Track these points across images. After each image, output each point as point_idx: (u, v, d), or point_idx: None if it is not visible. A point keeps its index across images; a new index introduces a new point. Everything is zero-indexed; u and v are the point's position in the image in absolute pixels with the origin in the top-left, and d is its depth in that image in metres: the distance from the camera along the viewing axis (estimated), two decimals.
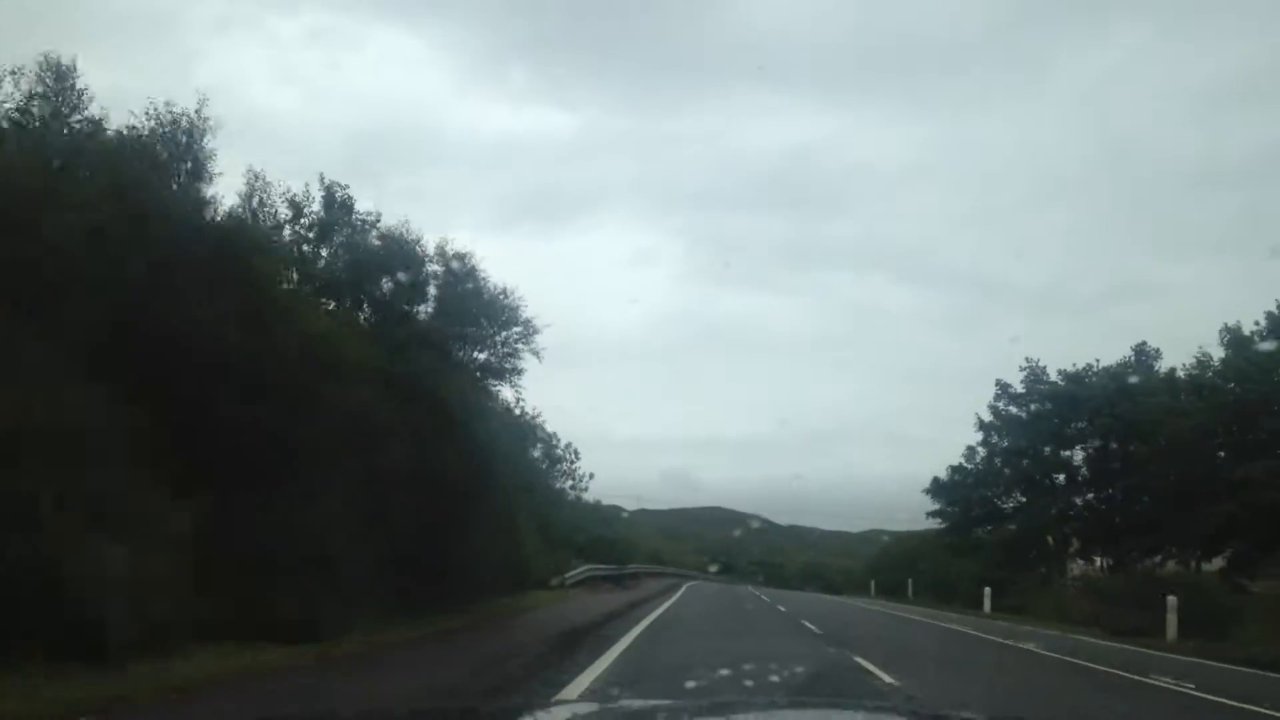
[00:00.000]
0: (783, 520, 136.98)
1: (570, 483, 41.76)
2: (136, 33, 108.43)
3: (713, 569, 72.12)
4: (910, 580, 50.72)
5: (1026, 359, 41.12)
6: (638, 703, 4.72)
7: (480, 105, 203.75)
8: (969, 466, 43.08)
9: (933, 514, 44.58)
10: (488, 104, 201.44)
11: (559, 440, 39.40)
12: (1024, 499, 42.06)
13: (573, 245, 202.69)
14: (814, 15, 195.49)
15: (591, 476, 43.57)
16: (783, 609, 26.91)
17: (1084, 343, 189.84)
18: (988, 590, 34.94)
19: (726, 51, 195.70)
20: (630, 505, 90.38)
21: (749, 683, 9.18)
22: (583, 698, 8.01)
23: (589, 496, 48.61)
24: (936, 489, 43.79)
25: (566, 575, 30.24)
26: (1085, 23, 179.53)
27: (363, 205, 17.56)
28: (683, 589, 39.13)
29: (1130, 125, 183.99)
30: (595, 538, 39.56)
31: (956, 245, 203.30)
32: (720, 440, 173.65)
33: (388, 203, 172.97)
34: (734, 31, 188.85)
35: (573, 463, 41.02)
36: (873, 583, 59.82)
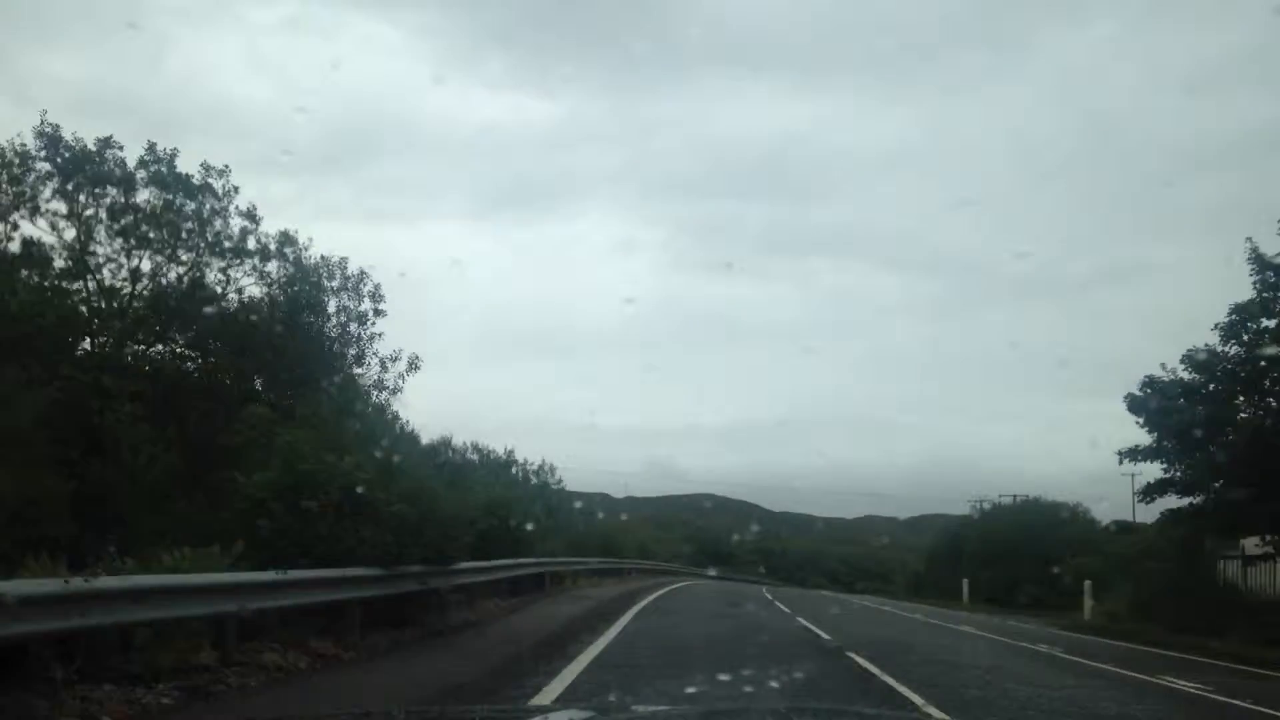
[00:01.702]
0: (776, 508, 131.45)
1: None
2: (105, 21, 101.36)
3: (711, 572, 59.01)
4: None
5: None
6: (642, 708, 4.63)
7: (459, 94, 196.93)
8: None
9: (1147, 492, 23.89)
10: (466, 92, 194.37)
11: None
12: None
13: (554, 234, 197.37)
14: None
15: (554, 470, 38.06)
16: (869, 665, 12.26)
17: (1072, 326, 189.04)
18: None
19: (707, 37, 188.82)
20: (618, 494, 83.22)
21: None
22: None
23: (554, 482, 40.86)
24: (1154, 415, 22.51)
25: None
26: (1066, 4, 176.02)
27: None
28: (643, 603, 22.65)
29: (1113, 108, 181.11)
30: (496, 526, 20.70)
31: (940, 231, 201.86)
32: (707, 428, 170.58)
33: (368, 194, 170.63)
34: (714, 17, 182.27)
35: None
36: (965, 584, 45.08)
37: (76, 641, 7.06)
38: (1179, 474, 22.69)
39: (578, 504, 45.02)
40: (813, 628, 18.35)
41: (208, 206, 19.05)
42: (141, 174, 18.71)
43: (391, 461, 13.12)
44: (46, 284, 17.32)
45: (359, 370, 21.29)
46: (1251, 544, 23.83)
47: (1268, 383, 21.43)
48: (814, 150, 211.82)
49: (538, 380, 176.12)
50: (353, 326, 20.64)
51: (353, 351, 20.92)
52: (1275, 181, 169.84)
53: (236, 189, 18.64)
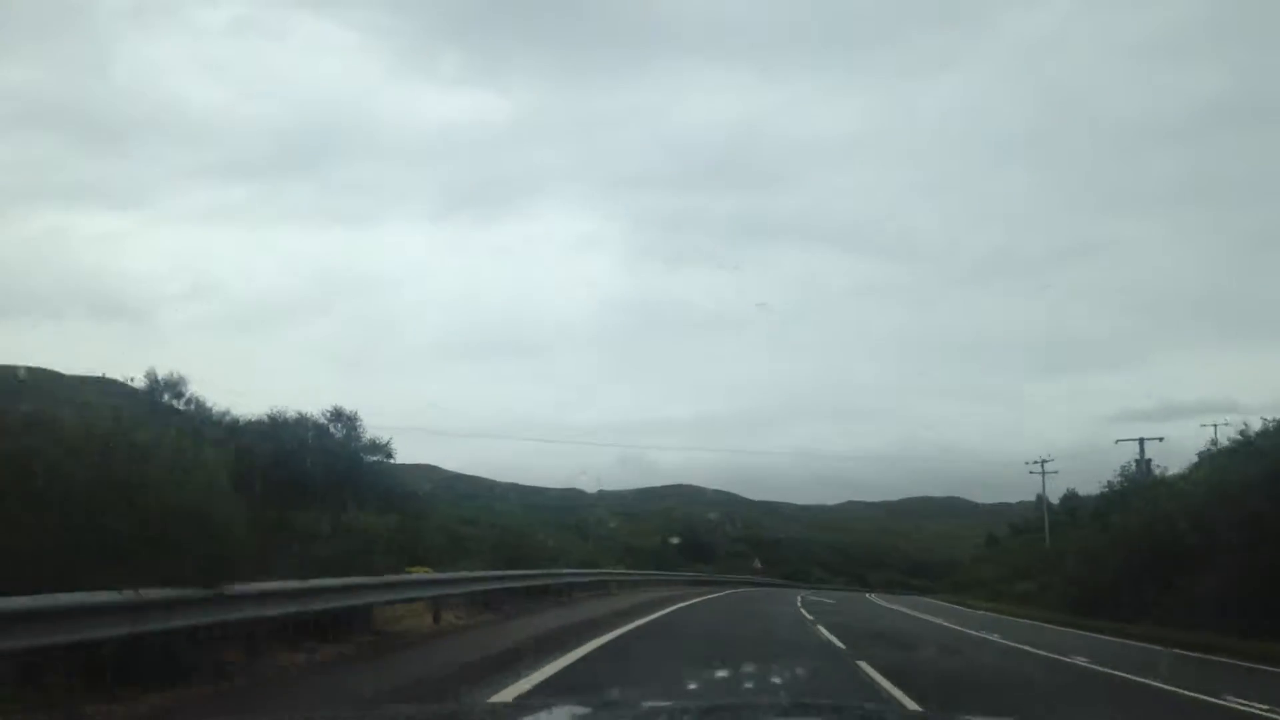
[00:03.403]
0: (756, 497, 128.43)
1: None
2: (50, 22, 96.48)
3: (687, 574, 49.38)
4: None
5: None
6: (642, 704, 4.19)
7: (412, 93, 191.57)
8: None
9: None
10: (420, 91, 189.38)
11: None
12: None
13: (516, 232, 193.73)
14: None
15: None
16: None
17: (1036, 303, 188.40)
18: None
19: (662, 28, 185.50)
20: (590, 488, 79.63)
21: None
22: None
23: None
24: None
25: None
26: None
27: None
28: None
29: (1072, 85, 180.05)
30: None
31: (904, 215, 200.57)
32: (679, 421, 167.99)
33: (328, 197, 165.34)
34: (668, 6, 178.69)
35: None
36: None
37: None
38: None
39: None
40: None
41: None
42: None
43: None
44: None
45: None
46: None
47: None
48: (775, 138, 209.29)
49: (504, 380, 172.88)
50: None
51: None
52: (1231, 154, 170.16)
53: None
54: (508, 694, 8.23)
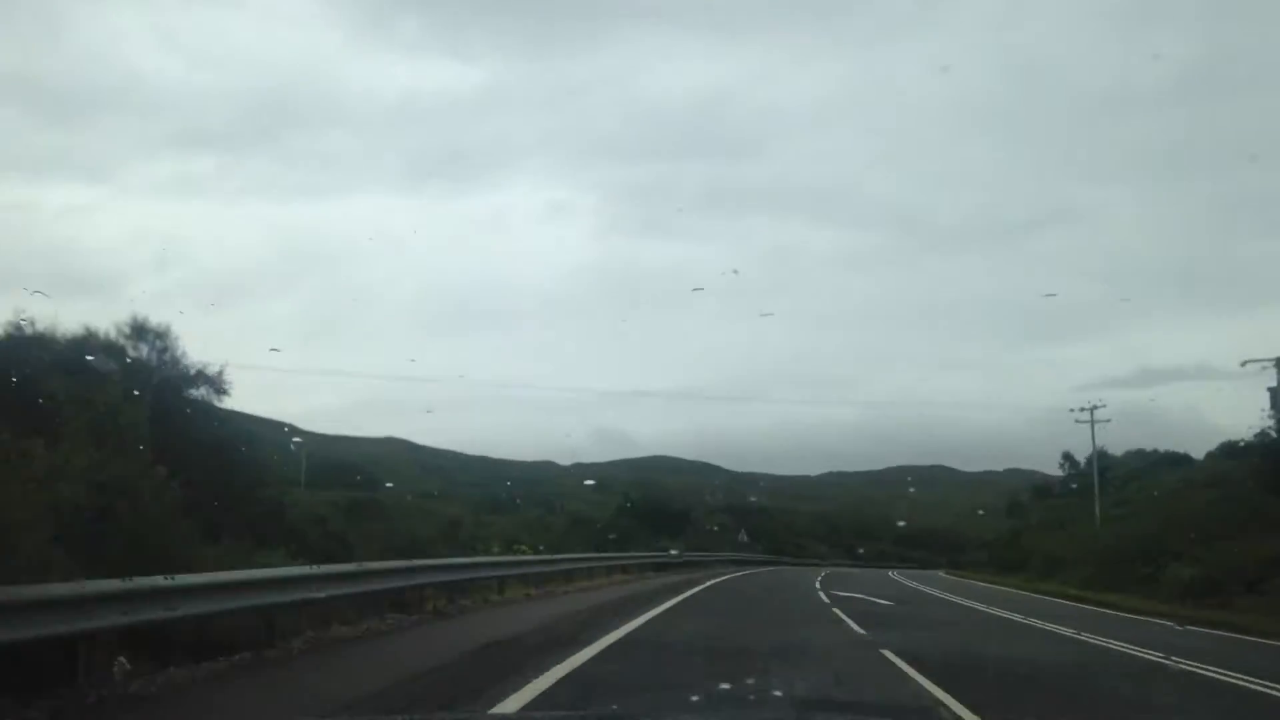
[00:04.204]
0: (739, 468, 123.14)
1: None
2: None
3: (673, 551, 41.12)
4: None
5: None
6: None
7: (375, 61, 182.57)
8: None
9: None
10: (383, 59, 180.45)
11: None
12: None
13: (486, 203, 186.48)
14: None
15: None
16: None
17: (1012, 270, 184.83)
18: None
19: None
20: (565, 461, 74.67)
21: None
22: None
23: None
24: None
25: None
26: None
27: None
28: None
29: (1039, 51, 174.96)
30: None
31: (875, 182, 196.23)
32: (656, 393, 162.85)
33: (293, 168, 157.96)
34: None
35: None
36: None
37: None
38: None
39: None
40: None
41: None
42: None
43: None
44: None
45: None
46: None
47: None
48: (745, 106, 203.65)
49: (478, 352, 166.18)
50: None
51: None
52: (1197, 120, 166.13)
53: None
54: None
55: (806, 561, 62.63)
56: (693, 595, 22.58)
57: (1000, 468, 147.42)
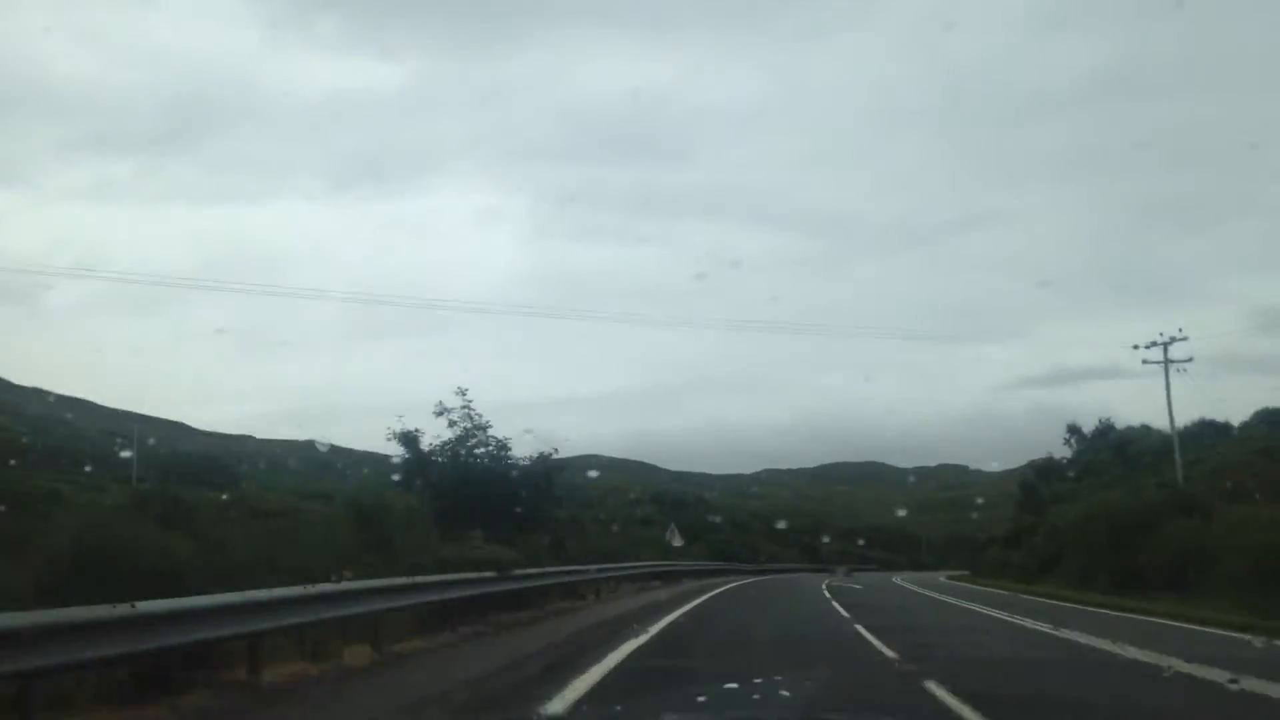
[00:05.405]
0: (674, 468, 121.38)
1: None
2: None
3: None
4: None
5: None
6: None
7: (295, 60, 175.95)
8: None
9: None
10: (302, 58, 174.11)
11: None
12: None
13: (412, 207, 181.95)
14: None
15: None
16: None
17: (937, 272, 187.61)
18: None
19: None
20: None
21: None
22: None
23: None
24: None
25: None
26: None
27: None
28: None
29: (962, 54, 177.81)
30: None
31: (805, 186, 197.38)
32: (589, 396, 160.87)
33: (214, 171, 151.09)
34: None
35: None
36: None
37: None
38: None
39: None
40: None
41: None
42: None
43: None
44: None
45: None
46: None
47: None
48: (675, 109, 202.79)
49: (405, 357, 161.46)
50: None
51: None
52: (1110, 125, 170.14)
53: None
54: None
55: (770, 569, 53.60)
56: None
57: (933, 462, 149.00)
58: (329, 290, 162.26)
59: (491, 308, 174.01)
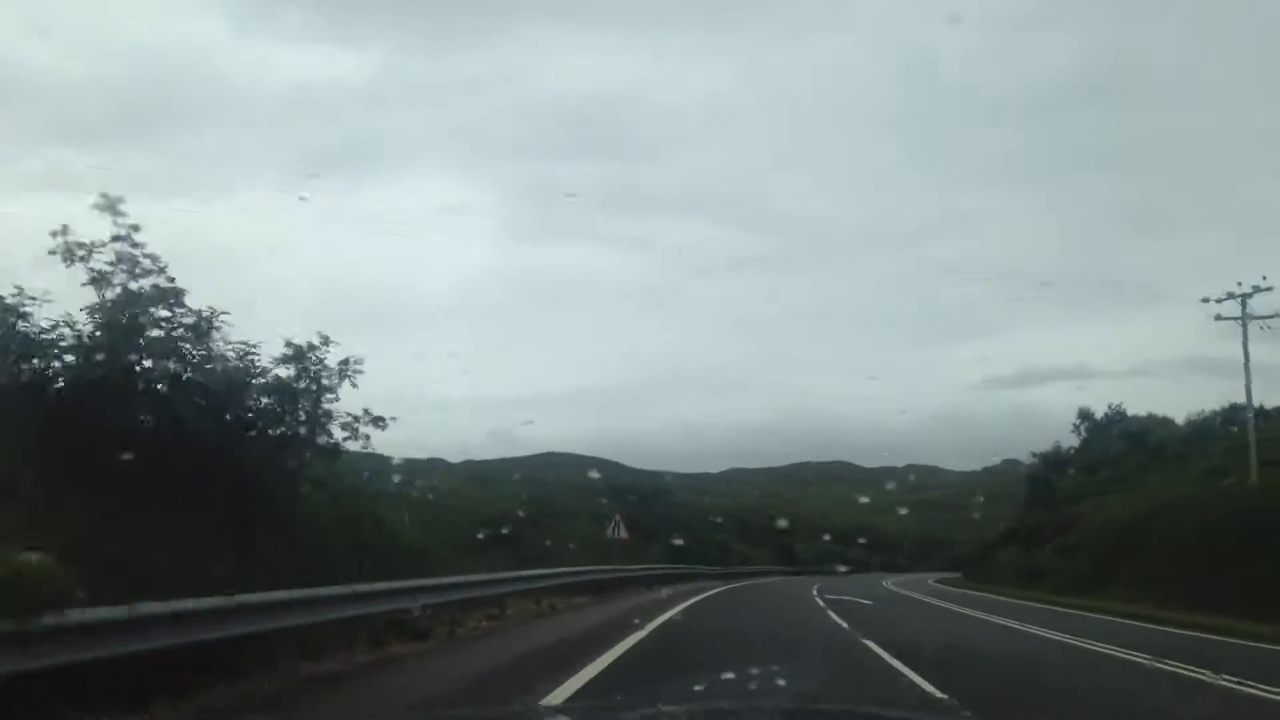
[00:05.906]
0: (639, 465, 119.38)
1: None
2: None
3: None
4: None
5: None
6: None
7: (260, 51, 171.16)
8: None
9: None
10: (267, 49, 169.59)
11: None
12: None
13: (378, 203, 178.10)
14: None
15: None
16: None
17: (906, 274, 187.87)
18: None
19: None
20: (455, 458, 69.74)
21: None
22: None
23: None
24: None
25: None
26: None
27: None
28: None
29: (930, 55, 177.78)
30: None
31: (776, 186, 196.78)
32: (556, 394, 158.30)
33: (176, 164, 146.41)
34: None
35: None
36: None
37: None
38: None
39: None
40: None
41: None
42: None
43: None
44: None
45: None
46: None
47: None
48: (646, 107, 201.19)
49: (371, 354, 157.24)
50: None
51: None
52: (1078, 129, 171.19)
53: None
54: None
55: (741, 572, 49.22)
56: None
57: (900, 463, 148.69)
58: (291, 283, 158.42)
59: (456, 306, 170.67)
